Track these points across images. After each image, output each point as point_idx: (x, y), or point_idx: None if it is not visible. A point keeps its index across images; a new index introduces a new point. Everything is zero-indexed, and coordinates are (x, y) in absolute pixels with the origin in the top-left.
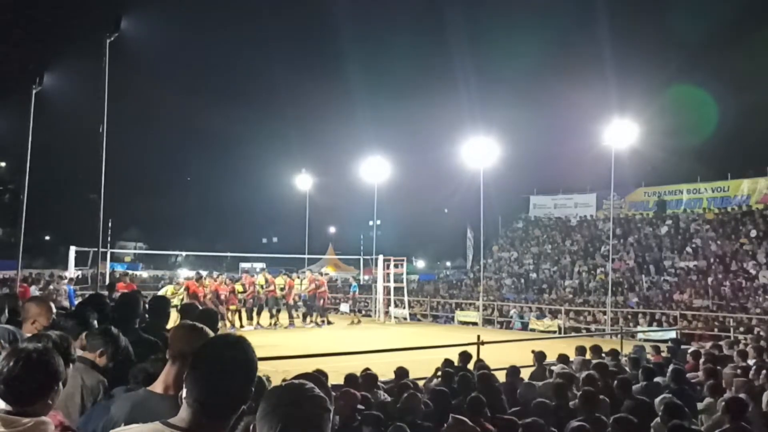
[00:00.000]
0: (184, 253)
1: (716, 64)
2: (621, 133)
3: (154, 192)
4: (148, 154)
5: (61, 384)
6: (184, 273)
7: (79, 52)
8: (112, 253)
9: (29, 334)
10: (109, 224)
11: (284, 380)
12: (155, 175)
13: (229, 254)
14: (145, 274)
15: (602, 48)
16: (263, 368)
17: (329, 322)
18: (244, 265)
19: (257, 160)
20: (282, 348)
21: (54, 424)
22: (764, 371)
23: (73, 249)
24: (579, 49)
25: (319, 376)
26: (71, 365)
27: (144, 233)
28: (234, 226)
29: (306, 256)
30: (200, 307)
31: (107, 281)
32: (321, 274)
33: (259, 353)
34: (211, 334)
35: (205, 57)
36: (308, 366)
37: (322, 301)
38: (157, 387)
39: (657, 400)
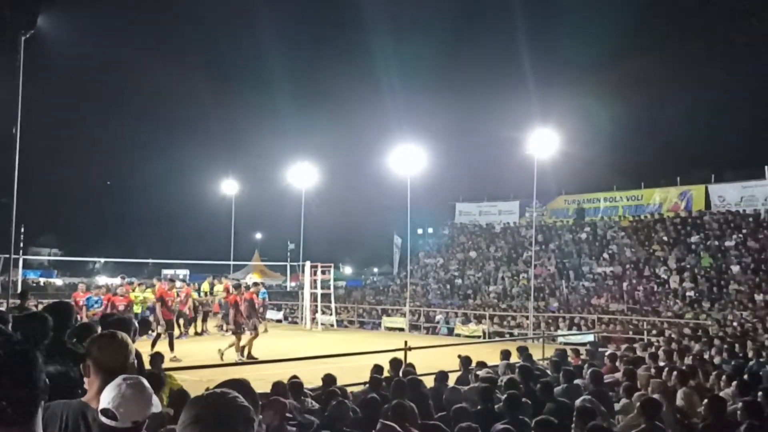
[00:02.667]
0: (102, 260)
1: (633, 80)
2: (543, 142)
3: (72, 196)
4: (66, 157)
5: None
6: (104, 280)
7: None
8: (24, 260)
9: None
10: (22, 229)
11: (207, 389)
12: (73, 178)
13: (150, 261)
14: (59, 281)
15: (525, 59)
16: (186, 378)
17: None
18: (166, 271)
19: (181, 164)
20: (207, 357)
21: None
22: (675, 372)
23: None
24: (504, 60)
25: (244, 384)
26: None
27: (60, 239)
28: (156, 232)
29: (231, 263)
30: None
31: (19, 289)
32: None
33: (182, 363)
34: (131, 343)
35: (127, 59)
36: (233, 375)
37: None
38: (90, 399)
39: (577, 402)
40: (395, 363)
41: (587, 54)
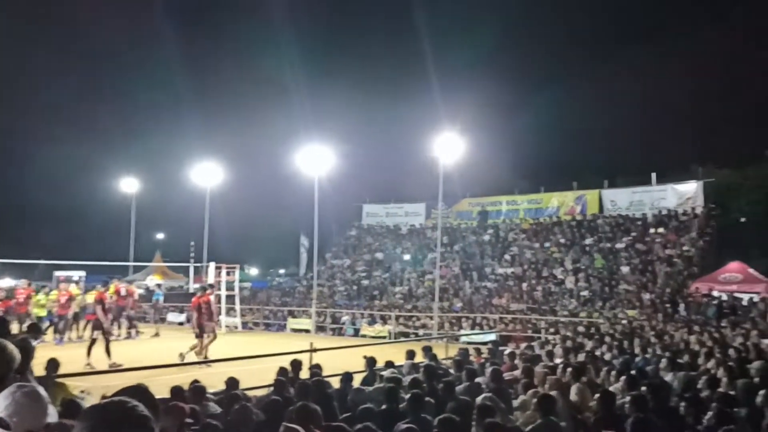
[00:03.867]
0: None
1: (534, 89)
2: (449, 146)
3: None
4: None
5: None
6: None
7: None
8: None
9: None
10: None
11: (104, 397)
12: None
13: (42, 261)
14: None
15: (432, 64)
16: (80, 384)
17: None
18: (59, 273)
19: (76, 160)
20: (103, 362)
21: None
22: (569, 369)
23: None
24: (412, 63)
25: (144, 391)
26: None
27: None
28: (49, 231)
29: (131, 264)
30: None
31: None
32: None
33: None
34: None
35: (23, 46)
36: (132, 381)
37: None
38: None
39: (477, 400)
40: (295, 364)
41: (492, 60)
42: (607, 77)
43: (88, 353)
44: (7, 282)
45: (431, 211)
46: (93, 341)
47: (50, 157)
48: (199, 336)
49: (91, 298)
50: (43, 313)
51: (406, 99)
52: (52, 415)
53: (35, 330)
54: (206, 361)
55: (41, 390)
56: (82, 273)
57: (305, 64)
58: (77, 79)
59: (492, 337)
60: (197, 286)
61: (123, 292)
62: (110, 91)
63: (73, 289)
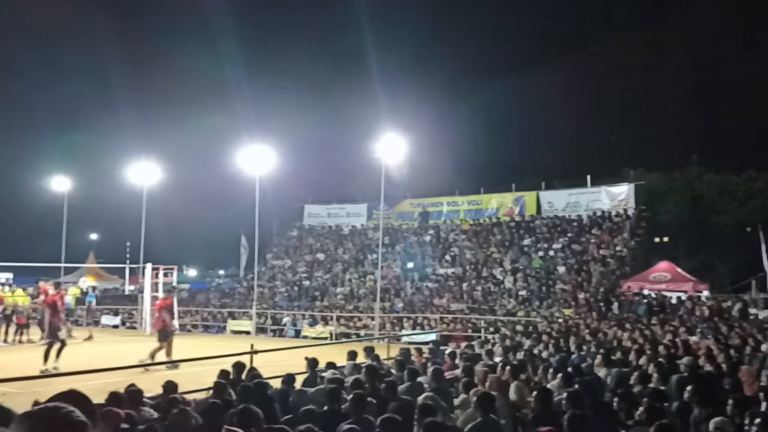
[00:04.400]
0: None
1: (474, 90)
2: (391, 147)
3: None
4: None
5: None
6: None
7: None
8: None
9: None
10: None
11: (36, 403)
12: None
13: None
14: None
15: (374, 64)
16: (7, 390)
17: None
18: None
19: (4, 158)
20: (29, 367)
21: None
22: (508, 367)
23: None
24: (354, 64)
25: (79, 396)
26: None
27: None
28: None
29: (62, 265)
30: None
31: None
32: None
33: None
34: None
35: None
36: (63, 386)
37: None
38: None
39: (419, 399)
40: (238, 367)
41: (433, 61)
42: (547, 80)
43: (46, 358)
44: None
45: (373, 211)
46: (50, 344)
47: None
48: (162, 339)
49: (21, 300)
50: None
51: (348, 99)
52: None
53: None
54: (83, 371)
55: None
56: (10, 275)
57: (247, 62)
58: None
59: (433, 336)
60: (133, 287)
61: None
62: (40, 84)
63: (1, 291)
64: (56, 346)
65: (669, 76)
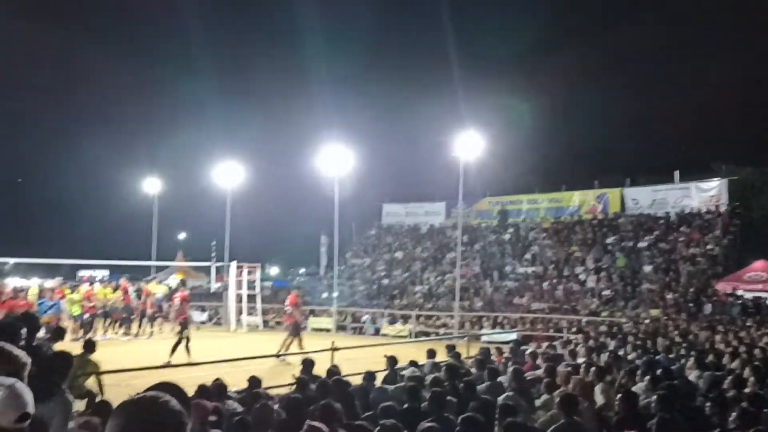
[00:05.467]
0: (11, 261)
1: (556, 86)
2: (469, 145)
3: None
4: None
5: None
6: (15, 282)
7: None
8: None
9: None
10: None
11: (135, 395)
12: None
13: (66, 261)
14: None
15: (453, 62)
16: (106, 382)
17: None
18: (83, 273)
19: (100, 161)
20: (126, 360)
21: None
22: (593, 368)
23: None
24: (433, 63)
25: (175, 387)
26: None
27: None
28: (72, 231)
29: (153, 263)
30: None
31: None
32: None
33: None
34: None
35: (37, 48)
36: (156, 379)
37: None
38: None
39: (499, 399)
40: (307, 364)
41: (512, 58)
42: (631, 74)
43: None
44: (35, 281)
45: (451, 210)
46: (179, 340)
47: (74, 159)
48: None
49: (112, 295)
50: (78, 311)
51: (426, 98)
52: (32, 407)
53: (57, 334)
54: (173, 365)
55: (21, 387)
56: (106, 272)
57: (327, 65)
58: (101, 81)
59: (513, 336)
60: (219, 285)
61: (131, 292)
62: (134, 92)
63: (98, 288)
64: (184, 341)
65: (761, 67)
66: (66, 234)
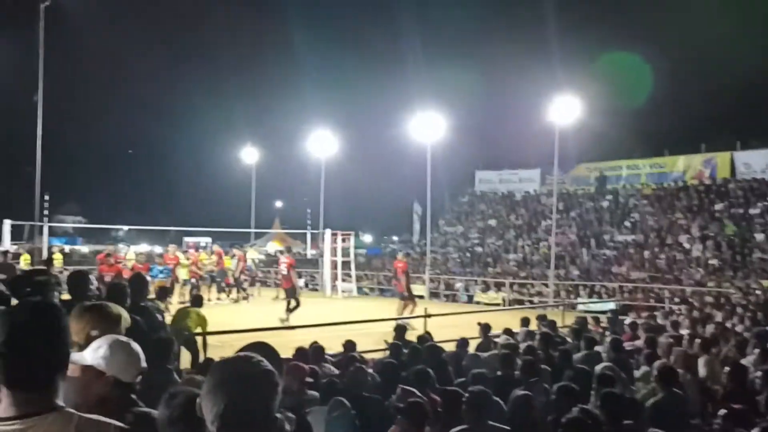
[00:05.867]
0: (125, 227)
1: (657, 44)
2: (564, 109)
3: (95, 165)
4: (88, 125)
5: None
6: (142, 248)
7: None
8: (50, 227)
9: None
10: (47, 197)
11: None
12: (96, 147)
13: (173, 228)
14: (85, 248)
15: (547, 23)
16: (211, 342)
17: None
18: (188, 239)
19: (202, 132)
20: (229, 323)
21: None
22: (697, 340)
23: (8, 222)
24: (525, 23)
25: (268, 347)
26: None
27: (84, 207)
28: (178, 199)
29: (252, 230)
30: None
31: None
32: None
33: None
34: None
35: (148, 25)
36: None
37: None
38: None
39: (597, 368)
40: (400, 329)
41: (609, 17)
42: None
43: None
44: (144, 248)
45: (546, 177)
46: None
47: (180, 132)
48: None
49: (229, 263)
50: (186, 276)
51: (521, 61)
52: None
53: (163, 293)
54: (271, 327)
55: (135, 346)
56: (209, 239)
57: (418, 31)
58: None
59: (611, 306)
60: (314, 252)
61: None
62: (232, 65)
63: (201, 254)
64: (293, 303)
65: None
66: (172, 202)
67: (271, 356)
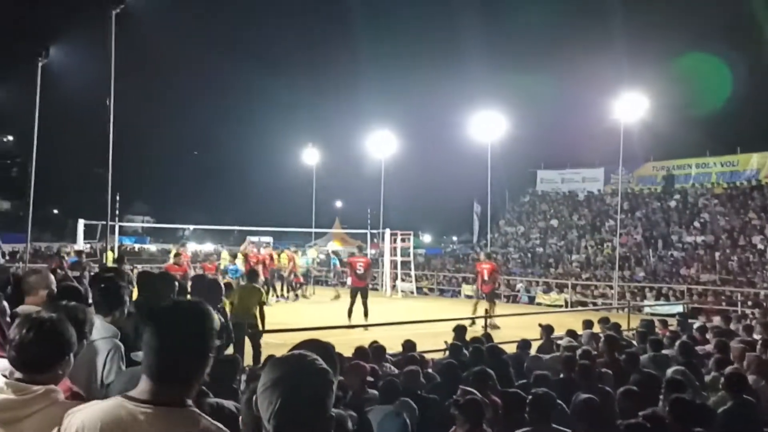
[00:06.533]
0: (191, 227)
1: (727, 37)
2: (630, 106)
3: (162, 166)
4: (156, 128)
5: (72, 355)
6: (192, 247)
7: (84, 25)
8: (120, 227)
9: (33, 306)
10: (117, 198)
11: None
12: (163, 149)
13: (236, 228)
14: (153, 247)
15: (611, 19)
16: (270, 341)
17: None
18: (251, 238)
19: (265, 134)
20: (288, 322)
21: (63, 390)
22: None
23: (81, 222)
24: (588, 20)
25: (325, 345)
26: (87, 336)
27: (152, 207)
28: (241, 200)
29: (313, 230)
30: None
31: (116, 255)
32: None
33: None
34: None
35: (212, 29)
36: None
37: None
38: None
39: (668, 372)
40: (460, 330)
41: (679, 12)
42: None
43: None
44: (208, 246)
45: (611, 176)
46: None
47: (244, 133)
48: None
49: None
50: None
51: (583, 57)
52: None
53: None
54: (331, 326)
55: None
56: (269, 239)
57: (479, 29)
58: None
59: (680, 308)
60: (374, 252)
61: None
62: (296, 69)
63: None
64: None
65: None
66: (236, 202)
67: (325, 354)
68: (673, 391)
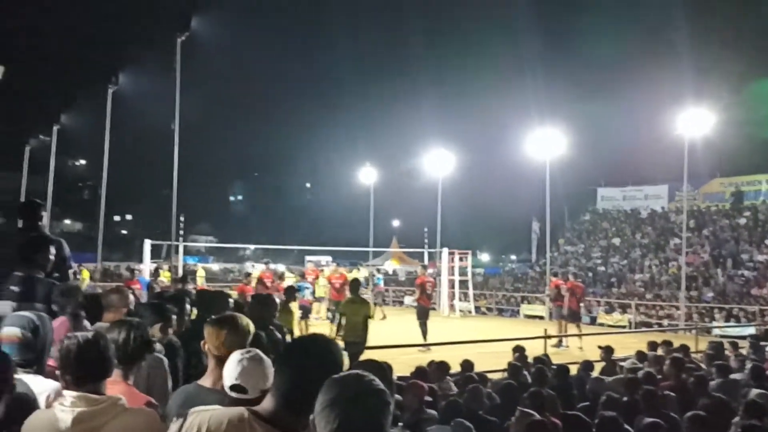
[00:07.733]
0: (252, 247)
1: None
2: (695, 121)
3: (224, 187)
4: (218, 150)
5: (135, 367)
6: (252, 266)
7: (152, 52)
8: (184, 247)
9: (107, 324)
10: (182, 218)
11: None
12: (225, 171)
13: (295, 247)
14: (215, 266)
15: (674, 33)
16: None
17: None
18: (310, 258)
19: (322, 154)
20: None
21: (141, 402)
22: None
23: (148, 242)
24: (650, 35)
25: (380, 365)
26: (151, 351)
27: (214, 227)
28: (301, 220)
29: (371, 249)
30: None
31: (180, 273)
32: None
33: None
34: (244, 325)
35: (273, 53)
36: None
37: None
38: (206, 381)
39: (753, 393)
40: (519, 350)
41: (746, 27)
42: None
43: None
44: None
45: (675, 193)
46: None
47: (303, 155)
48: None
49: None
50: (323, 293)
51: (645, 72)
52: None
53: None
54: (389, 345)
55: (261, 354)
56: (329, 258)
57: (537, 44)
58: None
59: (752, 330)
60: (431, 270)
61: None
62: (354, 90)
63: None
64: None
65: None
66: (296, 222)
67: (382, 374)
68: (753, 415)
